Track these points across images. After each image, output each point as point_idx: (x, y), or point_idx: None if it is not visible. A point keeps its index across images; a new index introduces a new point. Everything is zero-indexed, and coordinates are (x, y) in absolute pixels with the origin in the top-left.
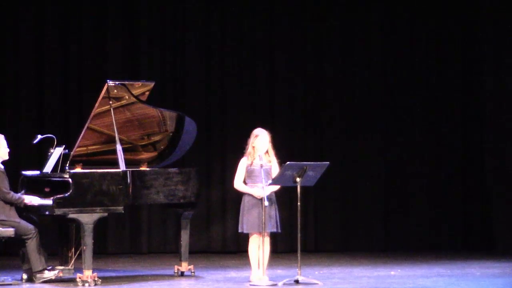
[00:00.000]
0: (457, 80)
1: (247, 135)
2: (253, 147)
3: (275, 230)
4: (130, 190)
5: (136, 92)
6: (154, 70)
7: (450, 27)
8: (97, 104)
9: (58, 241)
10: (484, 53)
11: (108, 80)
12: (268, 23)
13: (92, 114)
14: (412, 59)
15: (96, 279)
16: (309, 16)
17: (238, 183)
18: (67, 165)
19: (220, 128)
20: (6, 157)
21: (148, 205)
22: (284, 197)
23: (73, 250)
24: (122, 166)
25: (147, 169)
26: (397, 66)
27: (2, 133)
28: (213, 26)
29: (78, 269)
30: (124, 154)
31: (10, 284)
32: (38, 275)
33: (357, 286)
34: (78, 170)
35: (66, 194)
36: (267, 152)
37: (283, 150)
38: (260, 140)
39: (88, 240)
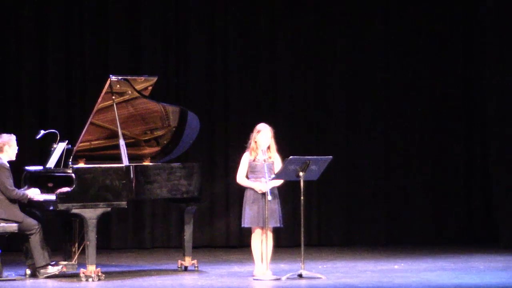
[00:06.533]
0: (459, 74)
1: (250, 129)
2: (255, 142)
3: (277, 225)
4: (133, 185)
5: (139, 87)
6: (157, 64)
7: (452, 21)
8: (100, 99)
9: (62, 236)
10: (485, 48)
11: (110, 75)
12: (272, 16)
13: (95, 109)
14: (415, 54)
15: (99, 274)
16: (312, 10)
17: (241, 178)
18: (70, 160)
19: (223, 123)
20: (14, 158)
21: (151, 200)
22: (287, 192)
23: (76, 245)
24: (125, 161)
25: (150, 164)
26: (399, 61)
27: (5, 129)
28: (216, 20)
29: (82, 264)
30: (127, 149)
31: (14, 280)
32: (41, 271)
33: (360, 280)
34: (81, 165)
35: (69, 189)
36: (269, 147)
37: (286, 144)
38: (263, 135)
39: (91, 235)
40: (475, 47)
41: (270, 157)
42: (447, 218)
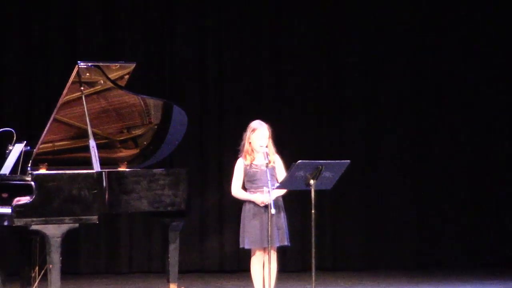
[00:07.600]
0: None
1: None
2: (250, 143)
3: (284, 243)
4: (106, 196)
5: (113, 75)
6: (137, 50)
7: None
8: (65, 91)
9: (19, 258)
10: None
11: (79, 62)
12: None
13: (60, 102)
14: (443, 45)
15: None
16: None
17: (236, 189)
18: (29, 165)
19: (216, 120)
20: None
21: (128, 214)
22: (295, 204)
23: (37, 269)
24: (96, 167)
25: (127, 170)
26: (426, 52)
27: None
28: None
29: None
30: (98, 152)
31: None
32: None
33: None
34: (43, 171)
35: (28, 201)
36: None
37: (293, 146)
38: (258, 135)
39: (55, 257)
40: None
41: (270, 162)
42: (488, 236)
